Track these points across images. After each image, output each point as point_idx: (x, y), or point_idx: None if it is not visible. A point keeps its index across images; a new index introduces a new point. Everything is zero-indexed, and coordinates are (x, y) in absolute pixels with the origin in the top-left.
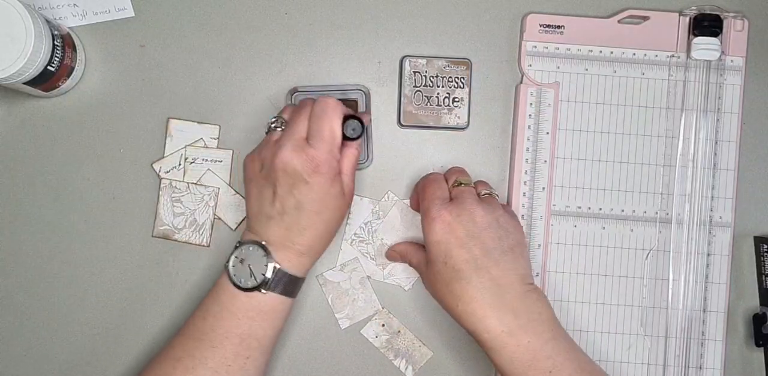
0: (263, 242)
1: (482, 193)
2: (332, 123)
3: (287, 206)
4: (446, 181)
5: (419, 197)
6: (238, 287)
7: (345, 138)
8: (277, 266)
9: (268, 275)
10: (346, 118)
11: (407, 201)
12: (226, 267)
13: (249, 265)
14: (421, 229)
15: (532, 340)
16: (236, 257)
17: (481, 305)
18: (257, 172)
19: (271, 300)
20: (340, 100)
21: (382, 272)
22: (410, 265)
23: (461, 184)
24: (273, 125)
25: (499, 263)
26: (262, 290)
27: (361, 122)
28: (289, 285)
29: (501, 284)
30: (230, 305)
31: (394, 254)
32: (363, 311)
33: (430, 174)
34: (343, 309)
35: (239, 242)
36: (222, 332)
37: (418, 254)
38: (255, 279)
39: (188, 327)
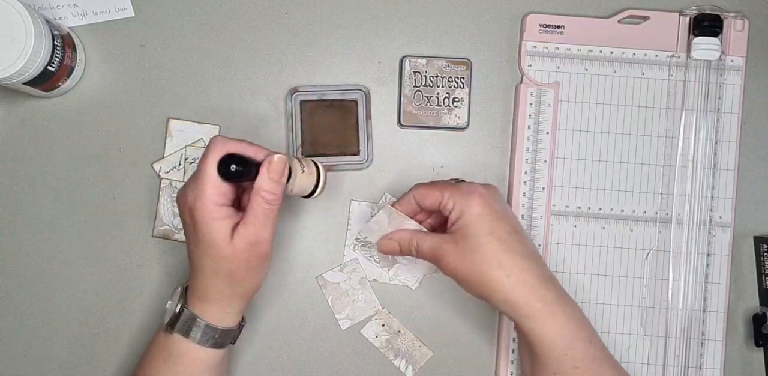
0: (187, 283)
1: None
2: (205, 163)
3: (187, 247)
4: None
5: (438, 188)
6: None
7: (231, 179)
8: (183, 307)
9: (175, 311)
10: (231, 158)
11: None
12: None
13: (175, 304)
14: (445, 213)
15: (573, 308)
16: (172, 297)
17: (532, 276)
18: None
19: (180, 343)
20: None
21: (388, 274)
22: (418, 253)
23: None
24: None
25: (527, 236)
26: (169, 330)
27: (243, 162)
28: (196, 330)
29: (536, 256)
30: (153, 344)
31: (390, 244)
32: (363, 311)
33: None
34: (343, 310)
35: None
36: (148, 374)
37: (430, 239)
38: (167, 317)
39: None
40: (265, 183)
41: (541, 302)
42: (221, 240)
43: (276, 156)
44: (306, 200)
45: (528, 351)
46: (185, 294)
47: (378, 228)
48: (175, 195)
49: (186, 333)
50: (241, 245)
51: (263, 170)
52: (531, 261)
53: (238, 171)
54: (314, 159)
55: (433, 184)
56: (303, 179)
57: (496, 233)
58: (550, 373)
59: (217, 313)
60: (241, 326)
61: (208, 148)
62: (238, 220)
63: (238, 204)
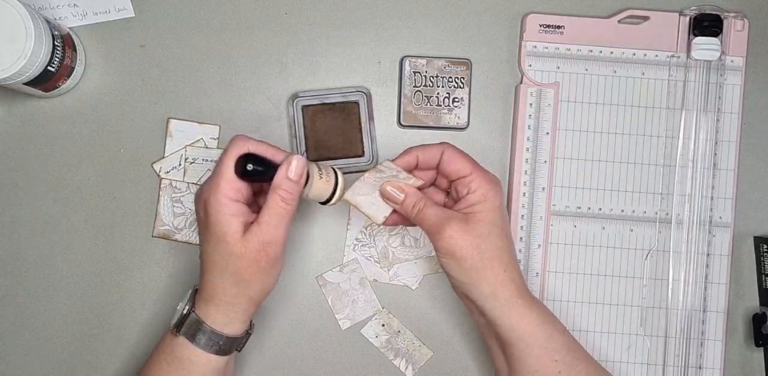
0: (197, 286)
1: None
2: (223, 159)
3: (200, 245)
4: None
5: (470, 161)
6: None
7: (248, 178)
8: (188, 307)
9: (183, 313)
10: (248, 157)
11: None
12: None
13: (184, 306)
14: (461, 189)
15: (543, 304)
16: (183, 299)
17: (518, 274)
18: None
19: (184, 347)
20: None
21: (388, 274)
22: (418, 216)
23: None
24: None
25: None
26: (175, 332)
27: (261, 162)
28: (200, 335)
29: None
30: (159, 346)
31: (395, 193)
32: (363, 311)
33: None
34: (343, 310)
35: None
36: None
37: (439, 208)
38: (175, 319)
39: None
40: (284, 182)
41: (522, 297)
42: (231, 236)
43: (296, 156)
44: (322, 206)
45: (504, 354)
46: (194, 296)
47: (379, 178)
48: (175, 195)
49: (191, 337)
50: (252, 244)
51: (282, 169)
52: (516, 261)
53: (255, 170)
54: (335, 167)
55: (465, 154)
56: (320, 185)
57: (506, 229)
58: (532, 372)
59: (221, 317)
60: (248, 334)
61: (228, 146)
62: (252, 220)
63: (257, 208)
